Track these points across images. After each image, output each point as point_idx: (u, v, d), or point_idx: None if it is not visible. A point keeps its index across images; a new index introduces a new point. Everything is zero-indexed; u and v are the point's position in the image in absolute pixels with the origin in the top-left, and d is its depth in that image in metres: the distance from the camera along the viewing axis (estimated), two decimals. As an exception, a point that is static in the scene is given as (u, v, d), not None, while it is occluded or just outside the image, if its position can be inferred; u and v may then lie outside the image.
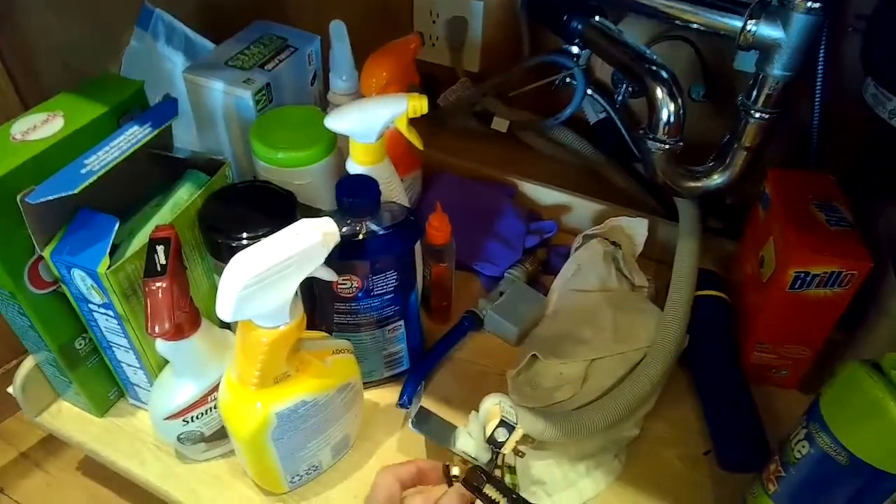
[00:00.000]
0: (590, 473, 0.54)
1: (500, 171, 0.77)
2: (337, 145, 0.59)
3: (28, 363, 0.55)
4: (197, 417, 0.50)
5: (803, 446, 0.39)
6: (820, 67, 0.58)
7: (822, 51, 0.56)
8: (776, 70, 0.54)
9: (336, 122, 0.51)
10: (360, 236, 0.49)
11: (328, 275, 0.44)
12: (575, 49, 0.74)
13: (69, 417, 0.57)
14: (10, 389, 0.56)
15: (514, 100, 0.81)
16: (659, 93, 0.59)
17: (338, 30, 0.62)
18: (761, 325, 0.56)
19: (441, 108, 0.84)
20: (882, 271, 0.50)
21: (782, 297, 0.53)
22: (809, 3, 0.50)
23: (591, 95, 0.77)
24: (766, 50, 0.54)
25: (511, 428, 0.47)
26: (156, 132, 0.47)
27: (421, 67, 0.84)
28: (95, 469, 0.66)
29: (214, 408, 0.50)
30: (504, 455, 0.48)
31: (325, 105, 0.67)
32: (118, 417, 0.57)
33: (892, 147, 0.53)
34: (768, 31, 0.53)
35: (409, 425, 0.51)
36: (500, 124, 0.82)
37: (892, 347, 0.47)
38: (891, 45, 0.46)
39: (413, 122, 0.53)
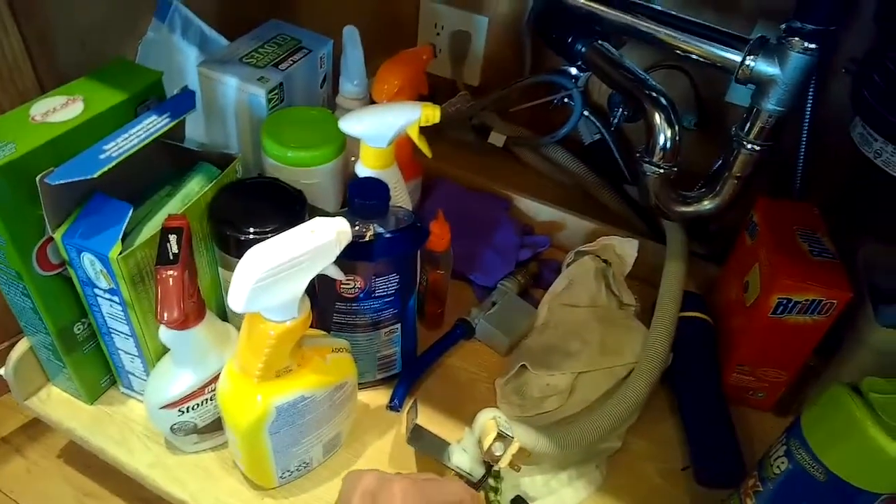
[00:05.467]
0: (572, 483, 0.55)
1: (496, 183, 0.79)
2: (346, 148, 0.60)
3: (22, 345, 0.55)
4: (192, 408, 0.50)
5: (783, 462, 0.41)
6: (809, 104, 0.61)
7: (812, 89, 0.60)
8: (770, 105, 0.57)
9: (351, 125, 0.53)
10: (367, 238, 0.50)
11: (337, 273, 0.45)
12: (574, 70, 0.76)
13: (58, 403, 0.57)
14: (0, 371, 0.55)
15: (512, 115, 0.83)
16: (657, 118, 0.62)
17: (351, 35, 0.63)
18: (742, 347, 0.59)
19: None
20: (860, 302, 0.53)
21: (765, 321, 0.55)
22: (806, 44, 0.53)
23: (587, 117, 0.79)
24: (761, 85, 0.57)
25: (508, 441, 0.49)
26: (173, 123, 0.48)
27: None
28: (77, 457, 0.66)
29: (210, 399, 0.50)
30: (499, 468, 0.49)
31: (332, 108, 0.68)
32: (108, 406, 0.57)
33: (874, 185, 0.56)
34: (765, 67, 0.56)
35: (406, 441, 0.52)
36: (496, 139, 0.84)
37: (867, 374, 0.50)
38: (879, 90, 0.49)
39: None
